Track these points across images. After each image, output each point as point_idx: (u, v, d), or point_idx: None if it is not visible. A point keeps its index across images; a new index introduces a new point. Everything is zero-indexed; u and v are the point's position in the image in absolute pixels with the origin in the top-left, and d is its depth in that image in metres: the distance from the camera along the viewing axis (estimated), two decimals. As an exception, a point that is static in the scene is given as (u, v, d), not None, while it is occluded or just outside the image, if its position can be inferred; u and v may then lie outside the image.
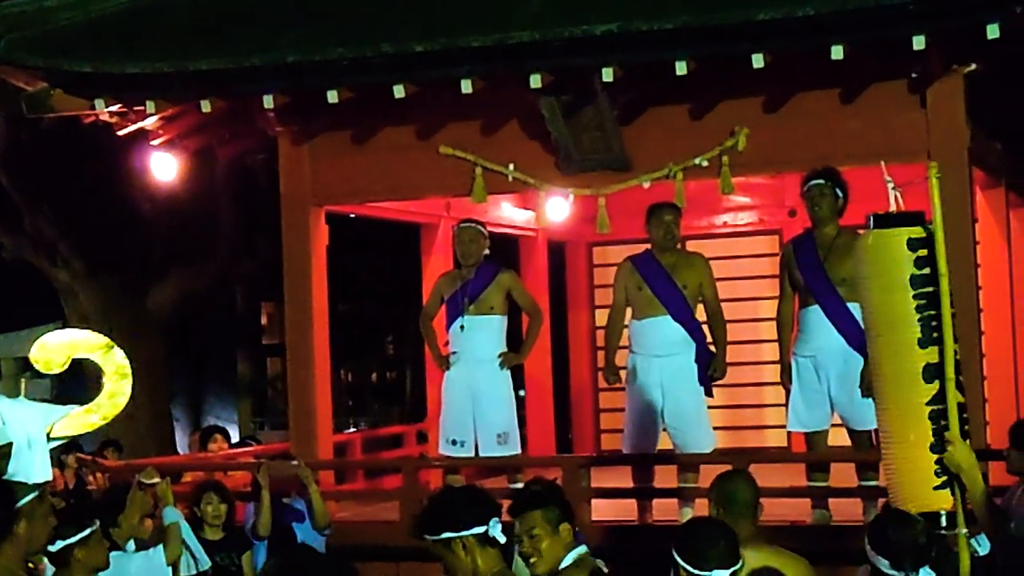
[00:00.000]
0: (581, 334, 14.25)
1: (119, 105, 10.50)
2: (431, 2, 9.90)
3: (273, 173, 11.55)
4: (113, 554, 6.48)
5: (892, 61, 9.33)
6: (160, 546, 7.55)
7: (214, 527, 8.69)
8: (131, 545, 7.66)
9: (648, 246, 10.27)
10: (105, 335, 6.39)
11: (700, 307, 10.25)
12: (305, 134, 11.03)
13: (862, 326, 5.37)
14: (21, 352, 13.81)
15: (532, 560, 5.14)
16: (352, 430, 22.34)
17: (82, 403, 6.29)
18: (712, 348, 10.14)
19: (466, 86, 9.49)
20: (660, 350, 10.05)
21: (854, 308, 8.78)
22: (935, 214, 5.07)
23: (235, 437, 16.29)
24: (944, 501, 5.09)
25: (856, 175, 9.48)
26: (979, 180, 10.36)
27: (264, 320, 29.66)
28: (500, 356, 10.44)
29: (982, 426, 9.30)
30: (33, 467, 5.90)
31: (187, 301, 18.60)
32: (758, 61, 8.88)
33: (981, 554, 5.09)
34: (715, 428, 10.36)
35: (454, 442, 10.46)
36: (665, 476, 10.03)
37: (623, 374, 10.35)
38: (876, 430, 5.50)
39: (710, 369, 10.05)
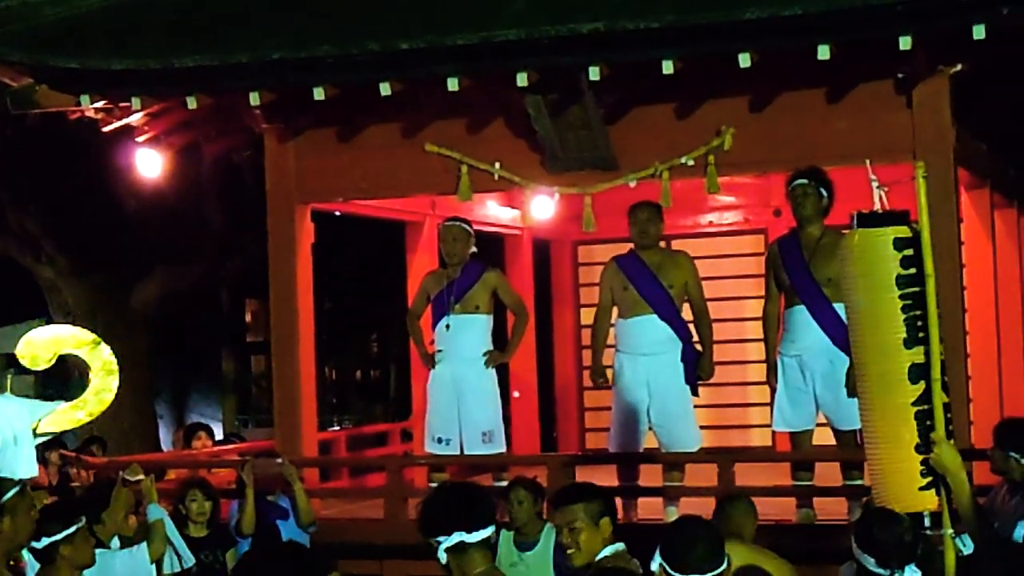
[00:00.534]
0: (566, 332, 14.24)
1: (105, 101, 10.49)
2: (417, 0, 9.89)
3: (259, 170, 11.51)
4: (97, 551, 6.47)
5: (878, 61, 9.33)
6: (144, 543, 7.53)
7: (198, 524, 8.68)
8: (115, 542, 7.65)
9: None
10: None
11: (686, 306, 10.27)
12: (291, 131, 11.00)
13: (847, 326, 5.37)
14: (5, 348, 13.76)
15: (570, 551, 5.16)
16: (337, 428, 22.31)
17: (66, 399, 6.28)
18: (698, 347, 10.15)
19: (452, 84, 9.48)
20: (646, 349, 10.06)
21: (839, 308, 8.75)
22: (921, 214, 5.06)
23: (219, 434, 16.31)
24: (929, 502, 5.08)
25: (842, 175, 9.49)
26: (964, 180, 10.37)
27: (249, 317, 29.59)
28: (485, 355, 10.43)
29: (966, 426, 9.31)
30: (19, 463, 5.90)
31: (172, 298, 18.55)
32: (745, 60, 8.88)
33: (965, 553, 5.09)
34: (700, 427, 10.38)
35: (439, 440, 10.45)
36: (650, 475, 10.03)
37: (610, 373, 10.36)
38: (861, 430, 5.49)
39: (697, 369, 10.06)
